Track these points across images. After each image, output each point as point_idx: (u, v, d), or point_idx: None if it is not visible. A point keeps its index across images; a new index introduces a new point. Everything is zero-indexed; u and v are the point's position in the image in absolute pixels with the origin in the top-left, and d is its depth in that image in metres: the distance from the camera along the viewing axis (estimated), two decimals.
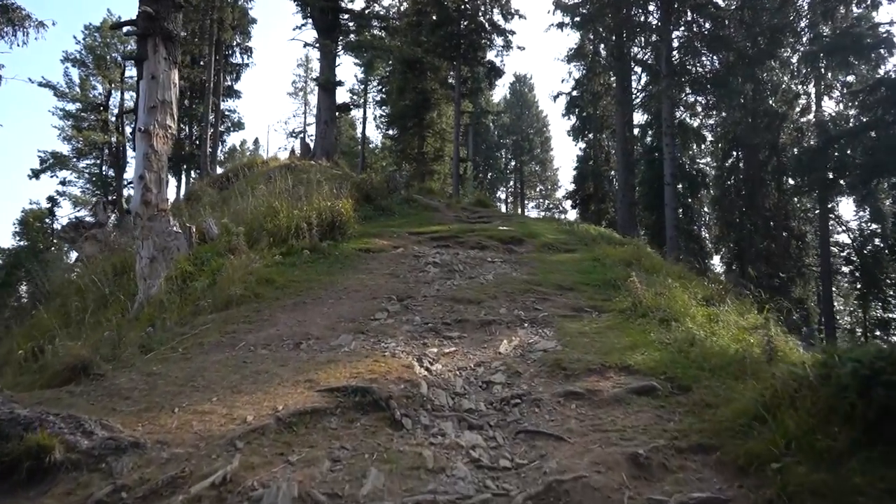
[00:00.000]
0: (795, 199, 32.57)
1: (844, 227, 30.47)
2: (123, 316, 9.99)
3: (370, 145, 49.19)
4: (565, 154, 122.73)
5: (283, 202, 11.43)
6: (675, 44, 28.41)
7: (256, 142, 60.56)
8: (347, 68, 66.49)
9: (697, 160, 37.60)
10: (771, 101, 31.23)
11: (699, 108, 30.98)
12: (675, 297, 7.63)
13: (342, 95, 56.61)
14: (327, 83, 26.03)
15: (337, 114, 27.87)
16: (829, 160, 23.22)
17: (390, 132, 38.76)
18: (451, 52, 31.00)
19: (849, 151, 23.71)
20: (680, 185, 36.55)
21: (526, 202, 55.12)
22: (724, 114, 28.75)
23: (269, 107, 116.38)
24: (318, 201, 11.71)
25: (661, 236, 34.22)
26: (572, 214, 43.48)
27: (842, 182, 25.80)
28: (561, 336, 6.27)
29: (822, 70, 25.46)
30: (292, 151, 28.66)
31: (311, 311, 7.04)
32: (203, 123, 31.51)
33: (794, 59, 29.33)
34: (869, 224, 28.68)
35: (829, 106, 28.69)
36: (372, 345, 5.86)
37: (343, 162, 28.33)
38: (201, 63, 33.89)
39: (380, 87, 43.56)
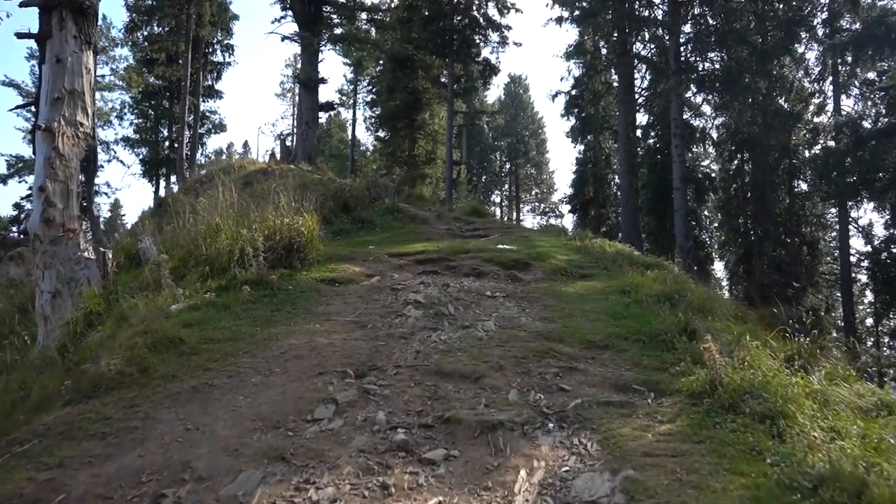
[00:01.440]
0: (807, 203, 30.08)
1: (863, 234, 28.04)
2: (8, 373, 7.45)
3: (361, 148, 46.65)
4: (561, 157, 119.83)
5: (227, 219, 8.83)
6: (683, 39, 25.97)
7: (246, 145, 57.95)
8: (337, 68, 63.75)
9: (698, 162, 35.03)
10: (781, 101, 28.80)
11: (707, 108, 28.54)
12: (761, 366, 5.11)
13: (330, 95, 54.04)
14: (308, 80, 23.42)
15: (320, 113, 25.26)
16: (861, 162, 20.70)
17: (380, 134, 36.16)
18: (444, 48, 28.47)
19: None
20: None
21: (521, 206, 52.54)
22: (735, 113, 26.17)
23: (259, 109, 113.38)
24: (273, 218, 9.11)
25: (665, 243, 31.78)
26: (569, 219, 41.08)
27: (862, 186, 23.33)
28: (614, 458, 3.70)
29: (849, 63, 22.94)
30: (272, 154, 26.02)
31: (217, 403, 4.44)
32: (179, 125, 28.79)
33: (810, 56, 26.98)
34: (889, 230, 26.22)
35: (847, 104, 26.24)
36: (290, 497, 3.27)
37: (326, 166, 25.75)
38: (179, 61, 31.18)
39: (370, 88, 40.97)
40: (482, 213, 18.05)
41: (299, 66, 25.24)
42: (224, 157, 47.77)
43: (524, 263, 9.76)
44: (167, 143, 33.24)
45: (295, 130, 47.21)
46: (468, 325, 6.50)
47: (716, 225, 36.79)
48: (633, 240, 26.16)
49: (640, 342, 6.01)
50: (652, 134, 33.63)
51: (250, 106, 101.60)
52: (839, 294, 32.61)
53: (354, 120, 44.16)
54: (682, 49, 25.38)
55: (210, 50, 33.44)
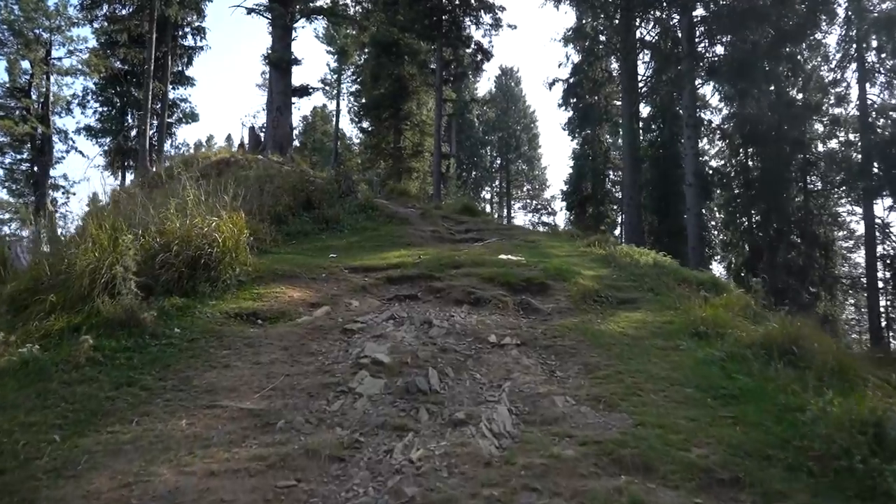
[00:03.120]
0: (822, 201, 27.29)
1: (881, 233, 25.24)
2: None
3: (347, 141, 43.31)
4: (554, 153, 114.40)
5: (100, 223, 5.73)
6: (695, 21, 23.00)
7: (229, 138, 54.29)
8: (321, 56, 59.90)
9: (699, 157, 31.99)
10: (793, 91, 26.01)
11: (715, 99, 25.68)
12: None
13: (314, 86, 50.71)
14: (279, 61, 20.23)
15: (295, 99, 22.10)
16: None
17: (364, 125, 32.96)
18: (432, 30, 25.33)
19: None
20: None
21: (512, 202, 49.48)
22: (754, 102, 23.25)
23: (244, 100, 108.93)
24: (176, 220, 6.04)
25: (670, 244, 28.84)
26: (562, 217, 38.09)
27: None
28: None
29: (883, 44, 20.07)
30: (241, 144, 22.81)
31: None
32: (142, 112, 25.44)
33: (830, 41, 24.16)
34: None
35: (871, 94, 23.33)
36: None
37: (301, 157, 22.62)
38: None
39: (354, 77, 37.72)
40: (474, 211, 15.01)
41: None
42: (203, 149, 44.26)
43: (539, 284, 6.73)
44: (134, 133, 29.83)
45: (265, 117, 43.97)
46: (462, 420, 3.45)
47: (713, 223, 33.88)
48: (637, 240, 23.25)
49: (799, 471, 3.00)
50: (654, 127, 30.69)
51: (235, 97, 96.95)
52: (849, 299, 30.09)
53: (338, 111, 40.86)
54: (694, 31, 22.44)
55: (180, 33, 30.06)
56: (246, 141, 22.41)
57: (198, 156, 22.24)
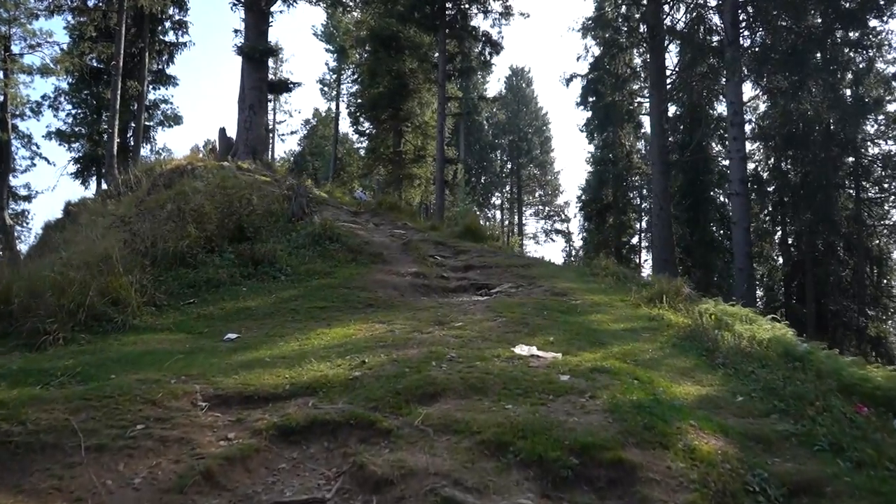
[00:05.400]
0: (875, 209, 23.31)
1: None
2: None
3: (349, 146, 39.46)
4: (567, 156, 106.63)
5: None
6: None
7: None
8: (319, 55, 54.72)
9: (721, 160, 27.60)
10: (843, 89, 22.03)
11: (760, 93, 21.64)
12: None
13: (312, 88, 46.69)
14: (252, 51, 16.55)
15: (270, 95, 18.41)
16: None
17: (362, 128, 29.14)
18: (434, 20, 21.57)
19: None
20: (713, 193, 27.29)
21: (524, 209, 45.37)
22: (808, 96, 19.22)
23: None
24: None
25: (700, 258, 24.96)
26: (576, 224, 34.17)
27: None
28: None
29: None
30: (213, 148, 19.18)
31: None
32: (110, 113, 21.77)
33: (892, 26, 20.12)
34: None
35: None
36: None
37: (281, 163, 18.94)
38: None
39: (355, 77, 33.89)
40: (479, 234, 11.08)
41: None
42: (201, 153, 40.63)
43: (610, 464, 2.90)
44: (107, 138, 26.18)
45: (278, 125, 40.26)
46: None
47: (755, 236, 29.62)
48: (667, 255, 19.43)
49: None
50: (680, 128, 26.69)
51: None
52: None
53: (338, 113, 37.02)
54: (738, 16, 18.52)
55: (161, 28, 26.42)
56: (218, 145, 18.73)
57: (161, 162, 18.62)
